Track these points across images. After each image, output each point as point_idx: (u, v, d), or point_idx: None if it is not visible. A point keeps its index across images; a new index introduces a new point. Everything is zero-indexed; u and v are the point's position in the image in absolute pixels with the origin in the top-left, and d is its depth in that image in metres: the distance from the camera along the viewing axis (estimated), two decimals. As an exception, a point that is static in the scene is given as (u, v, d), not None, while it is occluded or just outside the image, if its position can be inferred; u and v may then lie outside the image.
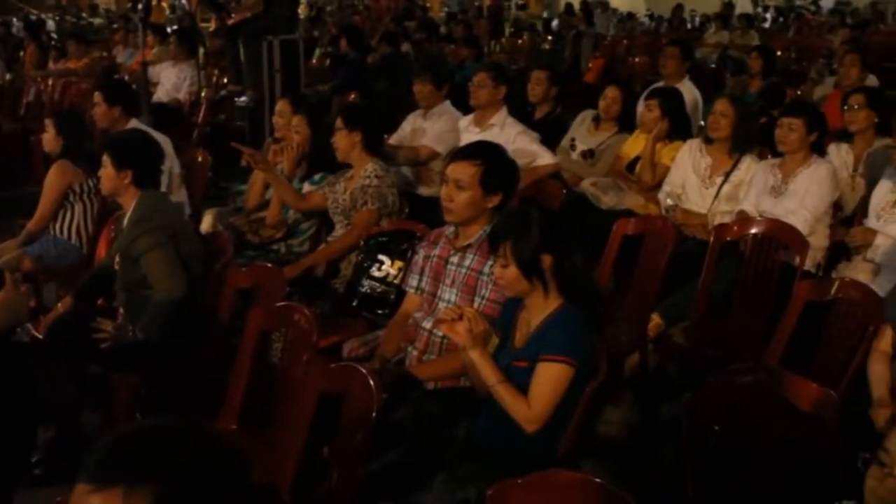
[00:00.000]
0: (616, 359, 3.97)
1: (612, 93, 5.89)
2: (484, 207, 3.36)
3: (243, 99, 9.23)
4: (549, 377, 2.77)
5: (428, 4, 25.12)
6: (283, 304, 3.40)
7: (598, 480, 2.14)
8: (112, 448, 1.34)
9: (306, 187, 4.80)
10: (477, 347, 2.82)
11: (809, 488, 2.65)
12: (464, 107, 5.85)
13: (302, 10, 17.97)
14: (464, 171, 3.34)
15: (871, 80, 7.55)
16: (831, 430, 2.66)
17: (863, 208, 4.79)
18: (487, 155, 3.41)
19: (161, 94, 9.26)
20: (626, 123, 5.87)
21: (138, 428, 1.42)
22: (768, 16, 22.50)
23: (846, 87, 6.82)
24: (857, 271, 4.27)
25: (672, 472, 2.73)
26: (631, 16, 21.45)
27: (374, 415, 2.62)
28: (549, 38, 15.63)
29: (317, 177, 4.80)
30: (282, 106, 5.40)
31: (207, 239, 4.34)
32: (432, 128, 5.81)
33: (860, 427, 3.01)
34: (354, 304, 4.15)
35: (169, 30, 12.00)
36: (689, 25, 19.92)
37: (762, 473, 2.74)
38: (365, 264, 4.17)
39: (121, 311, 3.92)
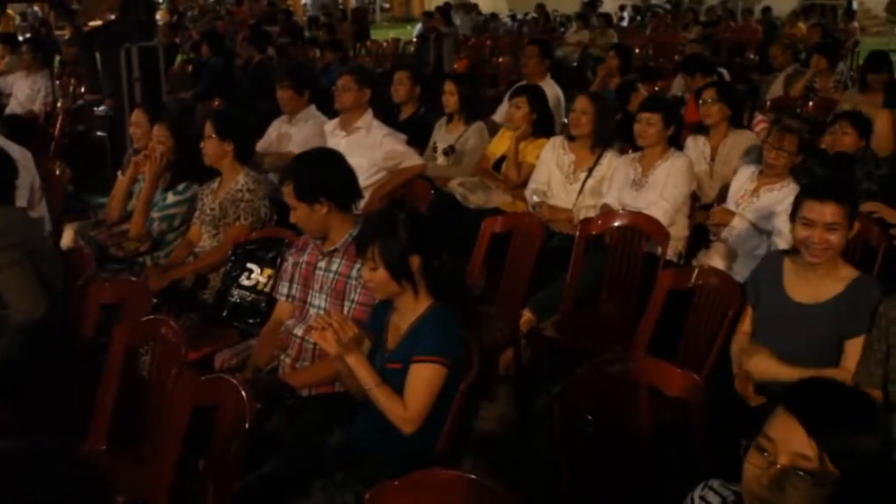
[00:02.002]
0: (489, 355, 4.02)
1: (448, 87, 5.98)
2: (320, 217, 3.37)
3: (102, 108, 8.95)
4: (423, 378, 2.80)
5: (292, 8, 24.87)
6: (149, 317, 3.32)
7: (473, 476, 2.17)
8: None
9: (170, 197, 4.69)
10: (350, 353, 2.81)
11: (680, 471, 2.75)
12: (330, 111, 5.82)
13: (162, 16, 17.54)
14: (286, 193, 3.39)
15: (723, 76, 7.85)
16: (697, 412, 2.77)
17: (721, 196, 4.99)
18: (295, 171, 3.43)
19: (14, 106, 8.89)
20: (472, 114, 5.97)
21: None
22: (626, 14, 23.14)
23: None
24: (715, 257, 4.44)
25: (548, 463, 2.77)
26: (494, 16, 21.72)
27: (247, 425, 2.59)
28: (415, 40, 15.70)
29: (180, 187, 4.69)
30: (137, 116, 5.25)
31: (68, 254, 4.20)
32: (298, 133, 5.78)
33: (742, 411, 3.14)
34: (225, 314, 4.08)
35: (21, 38, 11.51)
36: (556, 25, 20.32)
37: (633, 459, 2.82)
38: (234, 273, 4.11)
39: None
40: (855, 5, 22.66)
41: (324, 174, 3.45)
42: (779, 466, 1.71)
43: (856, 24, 18.72)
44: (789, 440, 1.71)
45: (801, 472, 1.68)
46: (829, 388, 1.83)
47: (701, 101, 5.48)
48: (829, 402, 1.76)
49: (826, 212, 3.10)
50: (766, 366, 3.16)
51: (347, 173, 3.55)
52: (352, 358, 2.82)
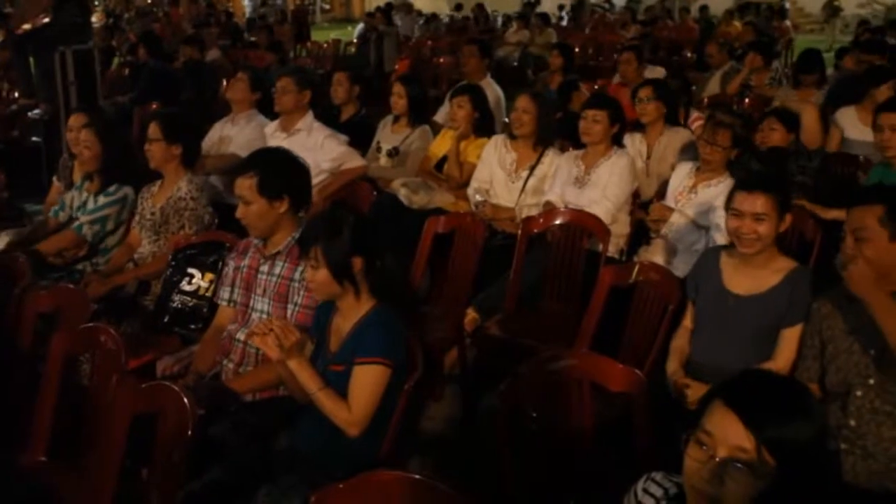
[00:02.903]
0: (434, 355, 4.02)
1: (396, 88, 5.98)
2: (276, 214, 3.35)
3: (36, 112, 8.77)
4: (367, 379, 2.80)
5: (231, 9, 24.65)
6: (88, 325, 3.27)
7: (417, 477, 2.18)
8: None
9: (101, 199, 4.61)
10: (293, 358, 2.80)
11: (623, 465, 2.78)
12: (271, 113, 5.79)
13: (98, 19, 17.28)
14: (243, 186, 3.34)
15: (658, 73, 7.96)
16: (639, 407, 2.80)
17: (659, 193, 5.05)
18: (260, 164, 3.41)
19: (-56, 112, 8.71)
20: (418, 116, 5.98)
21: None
22: (565, 14, 23.32)
23: (628, 82, 7.21)
24: (656, 253, 4.50)
25: (494, 462, 2.79)
26: (435, 16, 21.76)
27: (190, 432, 2.57)
28: (355, 41, 15.67)
29: (111, 188, 4.62)
30: (73, 121, 5.16)
31: (3, 263, 4.11)
32: (240, 135, 5.75)
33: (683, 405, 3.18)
34: (166, 320, 4.03)
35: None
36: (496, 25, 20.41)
37: (577, 454, 2.85)
38: (174, 279, 4.06)
39: None
40: (787, 4, 23.09)
41: (290, 171, 3.46)
42: (717, 460, 1.73)
43: (788, 22, 19.07)
44: (727, 433, 1.73)
45: (739, 465, 1.71)
46: (764, 379, 1.86)
47: (637, 100, 5.54)
48: (764, 393, 1.78)
49: (754, 203, 3.19)
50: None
51: (308, 175, 3.57)
52: (294, 363, 2.80)
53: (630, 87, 6.52)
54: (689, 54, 13.81)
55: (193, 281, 4.02)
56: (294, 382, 2.87)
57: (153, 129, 4.41)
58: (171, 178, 4.41)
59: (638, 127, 5.61)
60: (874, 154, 5.76)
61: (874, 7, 25.04)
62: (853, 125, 6.23)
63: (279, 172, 3.40)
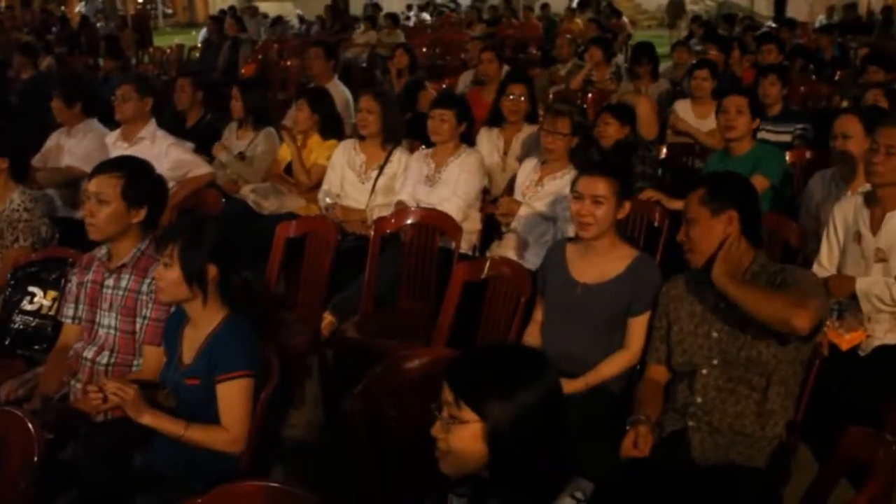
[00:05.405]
0: (291, 361, 3.99)
1: (234, 93, 5.92)
2: (129, 222, 3.26)
3: None
4: (234, 396, 2.79)
5: (69, 16, 23.72)
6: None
7: (275, 485, 2.17)
8: None
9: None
10: (144, 415, 2.75)
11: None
12: (113, 122, 5.60)
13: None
14: (105, 185, 3.23)
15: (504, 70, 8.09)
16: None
17: (509, 188, 5.15)
18: (129, 168, 3.33)
19: None
20: (261, 119, 5.93)
21: None
22: (412, 14, 23.47)
23: (487, 79, 7.30)
24: (507, 248, 4.59)
25: (357, 464, 2.79)
26: (280, 19, 21.52)
27: (36, 459, 2.47)
28: (199, 45, 15.34)
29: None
30: None
31: None
32: (77, 146, 5.55)
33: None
34: (7, 342, 3.85)
35: None
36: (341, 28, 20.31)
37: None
38: (15, 298, 3.88)
39: None
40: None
41: (155, 184, 3.40)
42: (439, 420, 1.94)
43: (625, 19, 19.73)
44: (446, 397, 1.93)
45: (452, 420, 1.92)
46: (478, 354, 2.17)
47: (509, 96, 5.52)
48: (471, 365, 1.99)
49: (594, 185, 3.33)
50: None
51: (167, 195, 3.55)
52: (148, 418, 2.76)
53: (493, 85, 6.54)
54: (534, 51, 14.13)
55: (35, 300, 3.86)
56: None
57: None
58: (1, 194, 4.22)
59: (494, 122, 5.65)
60: (707, 143, 6.11)
61: (706, 3, 26.24)
62: (687, 116, 6.54)
63: (146, 182, 3.33)
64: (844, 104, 6.69)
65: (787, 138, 6.13)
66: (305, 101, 5.58)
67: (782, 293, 2.81)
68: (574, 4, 20.97)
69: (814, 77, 9.55)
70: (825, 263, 3.83)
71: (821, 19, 20.06)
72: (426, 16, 23.59)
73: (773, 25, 16.31)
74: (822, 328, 2.93)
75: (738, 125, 4.86)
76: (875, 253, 3.64)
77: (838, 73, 9.72)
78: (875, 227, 3.65)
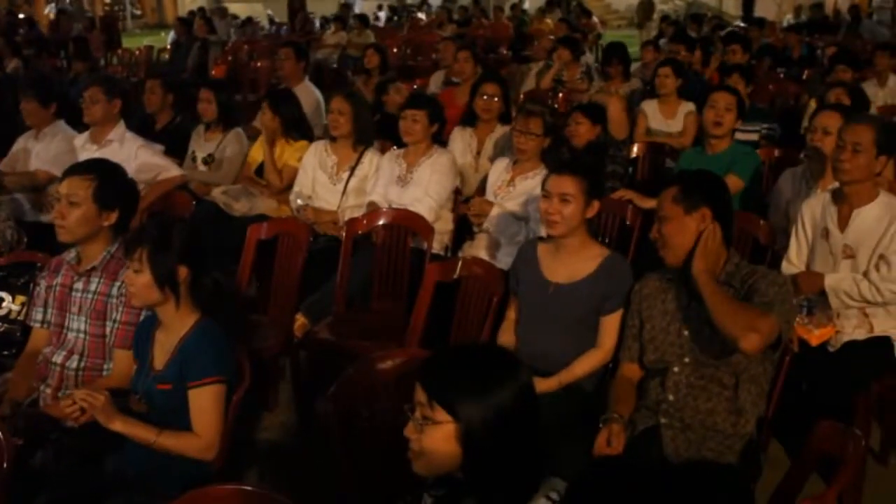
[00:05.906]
0: (264, 364, 3.98)
1: (204, 95, 5.89)
2: (99, 225, 3.24)
3: None
4: (206, 402, 2.77)
5: (36, 18, 23.47)
6: None
7: (248, 488, 2.16)
8: None
9: None
10: (115, 422, 2.72)
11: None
12: (81, 124, 5.55)
13: None
14: (77, 187, 3.21)
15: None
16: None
17: (480, 189, 5.15)
18: (101, 170, 3.31)
19: None
20: (230, 121, 5.91)
21: None
22: (382, 15, 23.45)
23: (462, 79, 7.30)
24: (479, 248, 4.60)
25: (333, 465, 2.78)
26: (250, 20, 21.42)
27: (5, 465, 2.45)
28: (168, 47, 15.23)
29: None
30: None
31: None
32: (45, 150, 5.50)
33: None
34: (-25, 348, 3.81)
35: None
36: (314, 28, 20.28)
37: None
38: (-18, 304, 3.85)
39: None
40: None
41: (127, 188, 3.38)
42: (412, 421, 1.94)
43: (595, 19, 19.80)
44: (419, 398, 1.93)
45: (425, 420, 1.91)
46: (451, 351, 2.24)
47: (483, 96, 5.54)
48: (442, 362, 1.99)
49: (562, 184, 3.34)
50: None
51: (138, 200, 3.52)
52: (119, 425, 2.72)
53: (467, 86, 6.54)
54: (504, 51, 14.14)
55: (3, 305, 3.82)
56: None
57: None
58: (-35, 199, 4.19)
59: (468, 121, 5.66)
60: (673, 141, 6.17)
61: (675, 2, 26.38)
62: (654, 116, 6.59)
63: (118, 185, 3.32)
64: (812, 103, 6.75)
65: (754, 137, 6.21)
66: (267, 104, 5.57)
67: (745, 308, 2.83)
68: (543, 4, 21.01)
69: (782, 76, 9.65)
70: (794, 260, 3.88)
71: (788, 18, 20.28)
72: (382, 14, 23.56)
73: (742, 25, 16.44)
74: (783, 341, 2.95)
75: (725, 121, 4.95)
76: (843, 249, 3.68)
77: (806, 71, 9.82)
78: (843, 223, 3.69)
